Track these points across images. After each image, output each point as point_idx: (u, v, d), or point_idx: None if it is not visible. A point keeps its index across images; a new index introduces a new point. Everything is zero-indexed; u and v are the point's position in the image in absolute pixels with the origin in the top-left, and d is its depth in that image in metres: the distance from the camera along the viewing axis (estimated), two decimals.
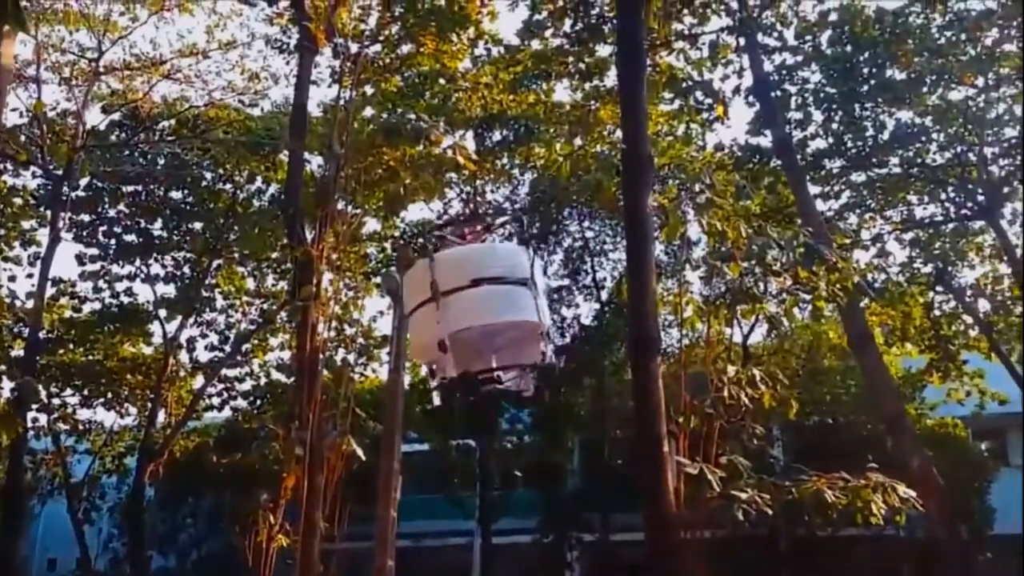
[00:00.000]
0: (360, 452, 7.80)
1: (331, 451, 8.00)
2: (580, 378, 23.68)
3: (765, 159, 19.46)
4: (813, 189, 19.08)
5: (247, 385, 24.83)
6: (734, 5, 17.56)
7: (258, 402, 24.57)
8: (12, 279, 22.74)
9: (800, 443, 21.01)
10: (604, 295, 24.80)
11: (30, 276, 22.36)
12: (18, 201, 22.61)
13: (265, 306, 25.18)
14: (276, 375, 24.91)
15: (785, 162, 17.51)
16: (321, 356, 9.06)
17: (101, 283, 23.75)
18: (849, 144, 19.81)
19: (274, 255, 24.00)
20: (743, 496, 7.39)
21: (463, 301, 4.97)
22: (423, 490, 24.80)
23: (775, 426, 19.18)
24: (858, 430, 21.03)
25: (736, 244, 8.14)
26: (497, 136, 21.68)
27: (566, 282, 25.35)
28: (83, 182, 23.12)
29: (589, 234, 25.01)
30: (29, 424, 21.89)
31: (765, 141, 19.20)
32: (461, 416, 21.83)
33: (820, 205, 19.34)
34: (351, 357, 22.81)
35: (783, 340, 22.62)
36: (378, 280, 21.55)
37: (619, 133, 17.10)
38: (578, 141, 20.73)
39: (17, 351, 22.90)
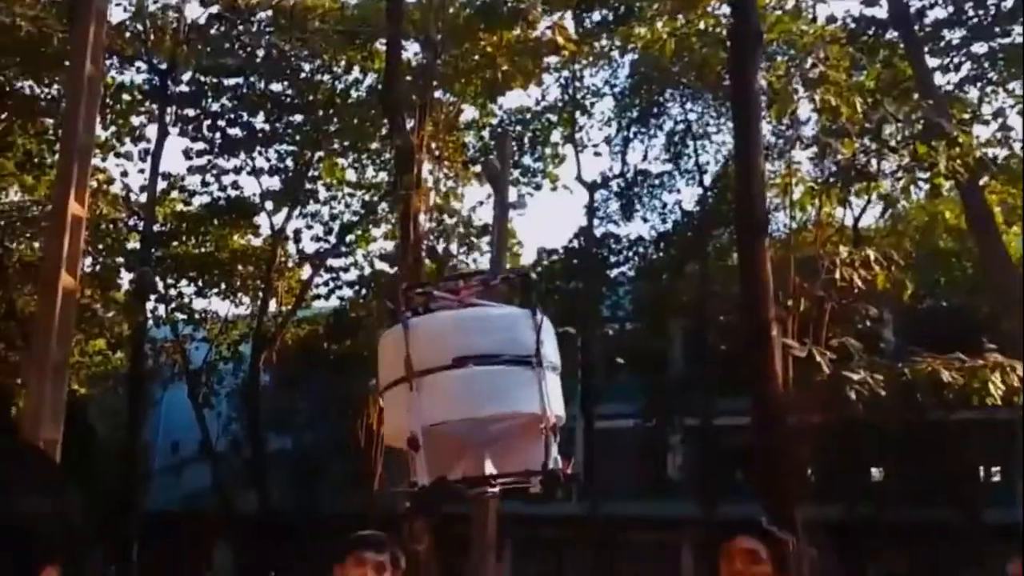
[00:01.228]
0: None
1: None
2: (682, 264, 23.47)
3: (881, 31, 18.56)
4: (932, 61, 18.19)
5: (352, 275, 25.28)
6: None
7: (363, 291, 25.01)
8: (124, 174, 23.34)
9: (913, 327, 20.51)
10: (707, 179, 24.34)
11: (142, 171, 23.00)
12: (126, 97, 23.08)
13: (367, 197, 25.43)
14: (380, 265, 25.28)
15: (902, 33, 16.73)
16: (423, 245, 9.11)
17: (208, 177, 24.25)
18: (970, 13, 18.71)
19: (374, 146, 24.08)
20: (855, 377, 7.27)
21: (441, 387, 3.77)
22: None
23: (886, 310, 18.75)
24: (974, 314, 20.40)
25: (850, 120, 7.81)
26: (596, 16, 21.04)
27: (668, 167, 24.95)
28: (186, 77, 23.46)
29: (692, 116, 24.42)
30: (148, 314, 22.85)
31: (881, 11, 18.26)
32: (563, 303, 21.92)
33: (939, 78, 18.45)
34: (452, 247, 22.98)
35: (897, 221, 21.85)
36: (478, 169, 21.48)
37: (726, 8, 16.44)
38: (682, 19, 19.96)
39: (133, 244, 23.75)
